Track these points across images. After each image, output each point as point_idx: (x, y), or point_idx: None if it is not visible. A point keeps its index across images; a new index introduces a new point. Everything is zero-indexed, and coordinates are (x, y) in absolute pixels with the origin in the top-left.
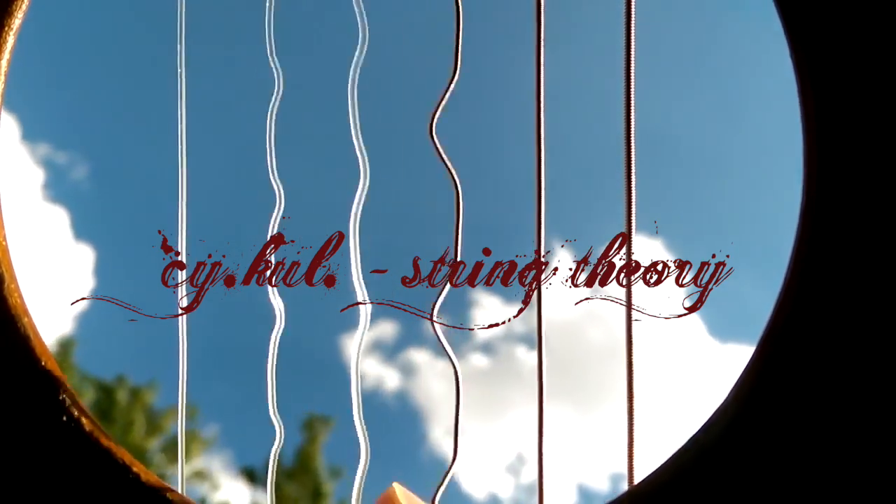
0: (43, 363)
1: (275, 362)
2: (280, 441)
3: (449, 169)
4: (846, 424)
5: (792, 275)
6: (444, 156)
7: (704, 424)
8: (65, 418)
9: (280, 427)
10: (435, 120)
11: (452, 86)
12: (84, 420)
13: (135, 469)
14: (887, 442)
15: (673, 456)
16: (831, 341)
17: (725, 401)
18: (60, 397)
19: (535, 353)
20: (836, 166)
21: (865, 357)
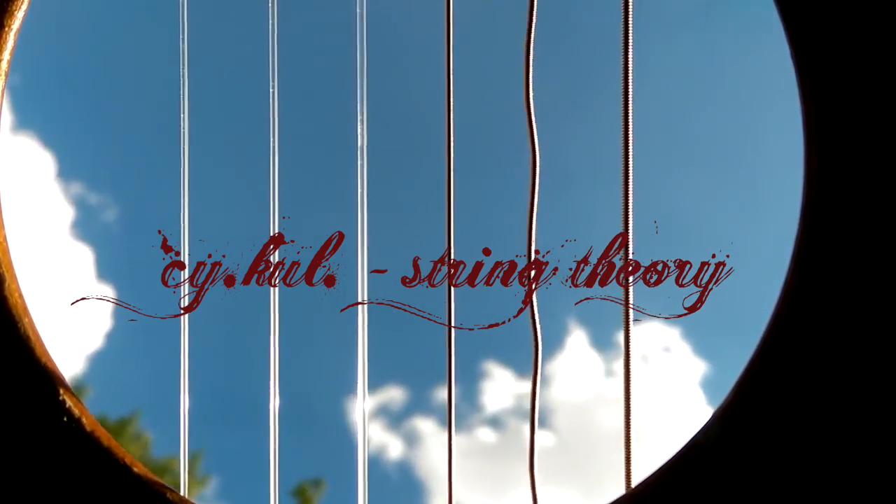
0: (43, 363)
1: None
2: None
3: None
4: (844, 425)
5: (792, 275)
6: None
7: (703, 426)
8: (65, 418)
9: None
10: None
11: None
12: (84, 420)
13: (135, 469)
14: (885, 442)
15: (673, 457)
16: (830, 343)
17: (724, 402)
18: (60, 397)
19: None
20: (836, 167)
21: (864, 358)
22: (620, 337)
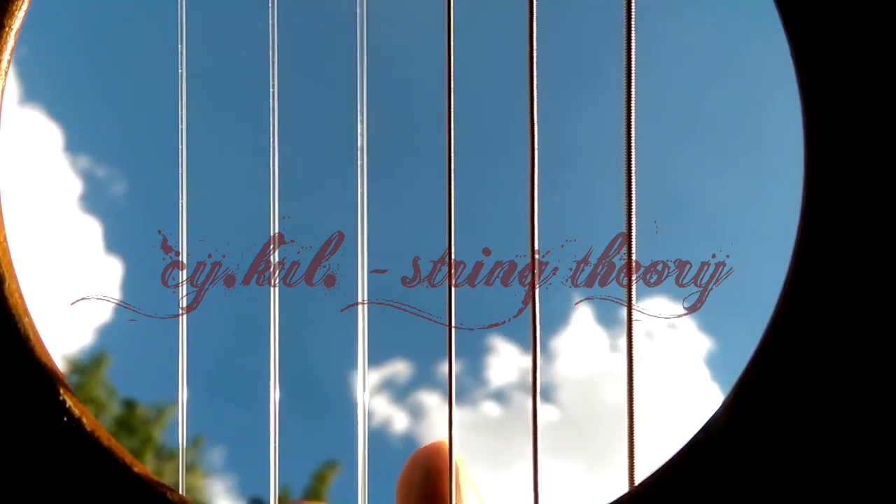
0: (43, 363)
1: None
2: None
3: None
4: (846, 425)
5: (792, 275)
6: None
7: (704, 425)
8: (65, 418)
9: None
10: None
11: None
12: (84, 420)
13: (135, 469)
14: (887, 443)
15: (673, 457)
16: (831, 341)
17: (725, 401)
18: (60, 397)
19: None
20: (836, 166)
21: (866, 358)
22: (626, 313)
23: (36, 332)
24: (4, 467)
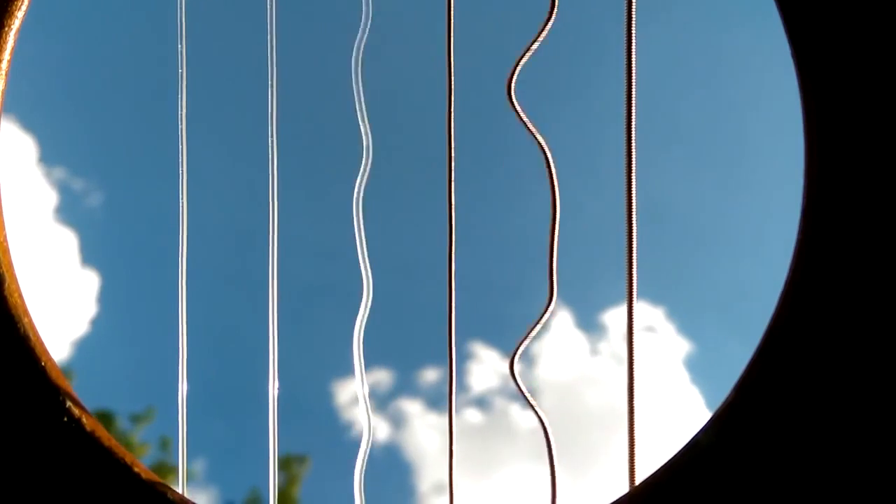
0: (43, 363)
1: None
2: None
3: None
4: (844, 426)
5: (792, 276)
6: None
7: (703, 426)
8: (65, 418)
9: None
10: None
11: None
12: (84, 420)
13: (135, 469)
14: (885, 443)
15: (672, 457)
16: (829, 344)
17: (723, 403)
18: (60, 397)
19: (529, 413)
20: (836, 167)
21: (864, 359)
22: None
23: (36, 332)
24: (5, 467)
